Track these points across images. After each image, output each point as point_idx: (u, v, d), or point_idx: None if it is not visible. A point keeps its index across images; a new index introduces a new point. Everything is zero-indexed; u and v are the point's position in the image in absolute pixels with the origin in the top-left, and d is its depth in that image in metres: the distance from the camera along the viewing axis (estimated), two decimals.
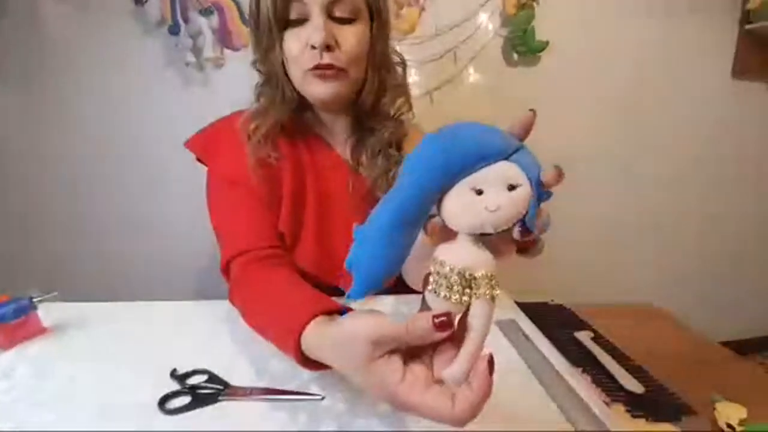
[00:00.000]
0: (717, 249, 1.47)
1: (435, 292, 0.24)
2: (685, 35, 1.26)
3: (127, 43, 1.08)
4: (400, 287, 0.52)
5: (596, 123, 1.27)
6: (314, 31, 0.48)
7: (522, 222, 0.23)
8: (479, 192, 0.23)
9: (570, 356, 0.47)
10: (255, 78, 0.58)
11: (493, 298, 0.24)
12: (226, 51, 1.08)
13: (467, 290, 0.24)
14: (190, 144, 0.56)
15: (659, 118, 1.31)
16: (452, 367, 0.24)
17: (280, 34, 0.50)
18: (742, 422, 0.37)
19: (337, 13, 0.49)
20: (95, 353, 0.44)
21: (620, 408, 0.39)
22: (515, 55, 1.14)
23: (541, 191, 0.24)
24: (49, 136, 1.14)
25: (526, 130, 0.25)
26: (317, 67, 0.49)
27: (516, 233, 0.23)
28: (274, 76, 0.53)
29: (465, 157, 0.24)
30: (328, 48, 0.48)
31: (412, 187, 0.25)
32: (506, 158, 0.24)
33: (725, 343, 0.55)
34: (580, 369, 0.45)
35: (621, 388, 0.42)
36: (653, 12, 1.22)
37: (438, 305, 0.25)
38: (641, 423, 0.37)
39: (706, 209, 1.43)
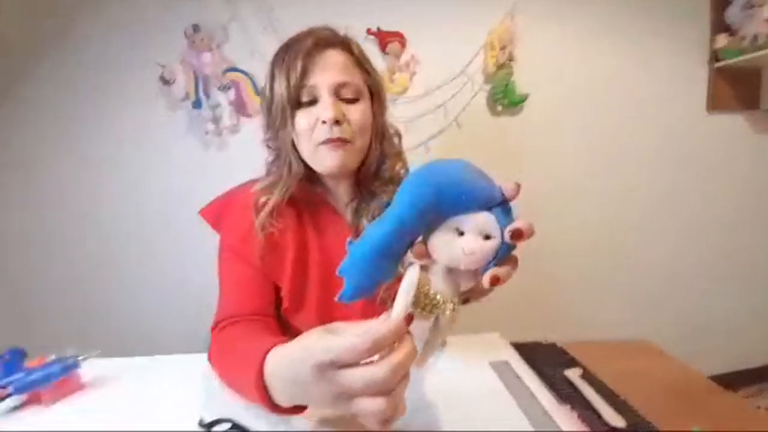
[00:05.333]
0: (703, 283, 1.51)
1: (412, 305, 0.30)
2: (660, 76, 1.36)
3: (154, 116, 1.22)
4: None
5: (578, 164, 1.36)
6: (324, 109, 0.54)
7: (489, 266, 0.29)
8: (461, 233, 0.29)
9: (560, 394, 0.51)
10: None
11: (453, 319, 0.31)
12: (241, 118, 1.22)
13: (435, 309, 0.31)
14: (204, 212, 0.61)
15: (640, 155, 1.39)
16: (417, 358, 0.30)
17: (292, 114, 0.56)
18: None
19: (343, 95, 0.56)
20: (130, 406, 0.48)
21: None
22: (499, 107, 1.25)
23: (507, 245, 0.28)
24: (79, 197, 1.25)
25: (511, 196, 0.29)
26: (328, 141, 0.55)
27: (485, 281, 0.29)
28: (284, 151, 0.59)
29: (454, 203, 0.28)
30: (337, 122, 0.54)
31: (399, 222, 0.29)
32: (489, 208, 0.28)
33: (715, 377, 0.57)
34: (569, 406, 0.49)
35: (606, 423, 0.45)
36: (627, 58, 1.33)
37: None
38: None
39: (696, 245, 1.48)
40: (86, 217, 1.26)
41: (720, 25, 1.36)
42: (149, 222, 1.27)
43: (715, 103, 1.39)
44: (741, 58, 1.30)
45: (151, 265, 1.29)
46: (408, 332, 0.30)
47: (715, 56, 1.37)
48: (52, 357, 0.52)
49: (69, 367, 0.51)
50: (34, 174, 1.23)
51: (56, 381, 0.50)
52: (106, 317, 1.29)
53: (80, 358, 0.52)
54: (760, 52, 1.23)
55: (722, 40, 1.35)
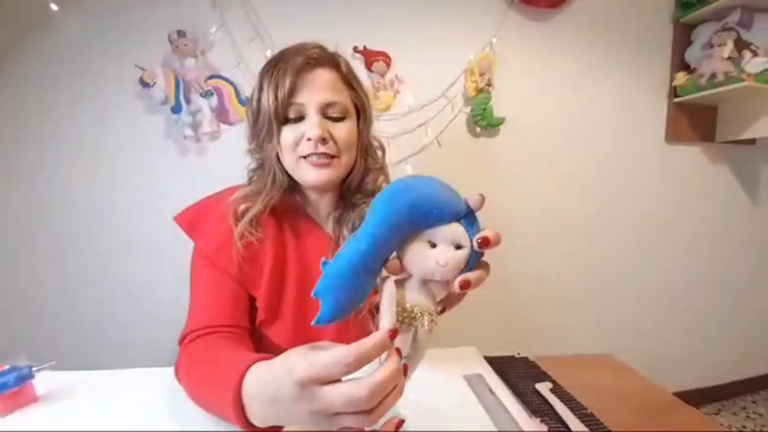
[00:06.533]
0: (666, 305, 1.59)
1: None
2: (624, 108, 1.46)
3: (131, 119, 1.19)
4: None
5: (549, 185, 1.43)
6: (311, 127, 0.55)
7: (461, 274, 0.30)
8: (433, 245, 0.30)
9: (530, 406, 0.52)
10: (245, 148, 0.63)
11: (431, 330, 0.31)
12: (221, 125, 1.20)
13: (414, 321, 0.31)
14: (178, 218, 0.59)
15: (605, 179, 1.48)
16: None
17: (278, 129, 0.57)
18: None
19: (330, 113, 0.57)
20: (87, 421, 0.46)
21: None
22: (478, 129, 1.31)
23: (477, 253, 0.30)
24: (50, 199, 1.19)
25: (476, 207, 0.31)
26: (312, 155, 0.56)
27: (456, 286, 0.30)
28: (268, 162, 0.59)
29: (426, 216, 0.29)
30: (323, 140, 0.55)
31: (373, 237, 0.29)
32: (458, 219, 0.30)
33: (678, 393, 0.59)
34: (539, 419, 0.50)
35: None
36: (595, 90, 1.43)
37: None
38: None
39: (657, 267, 1.56)
40: (55, 220, 1.20)
41: (680, 64, 1.48)
42: (121, 226, 1.22)
43: (673, 135, 1.51)
44: (698, 94, 1.41)
45: (122, 271, 1.23)
46: (396, 350, 0.29)
47: (674, 92, 1.48)
48: (6, 366, 0.49)
49: (23, 377, 0.48)
50: (4, 175, 1.17)
51: (10, 391, 0.47)
52: (71, 327, 1.22)
53: (34, 368, 0.49)
54: (716, 90, 1.34)
55: (681, 78, 1.47)
